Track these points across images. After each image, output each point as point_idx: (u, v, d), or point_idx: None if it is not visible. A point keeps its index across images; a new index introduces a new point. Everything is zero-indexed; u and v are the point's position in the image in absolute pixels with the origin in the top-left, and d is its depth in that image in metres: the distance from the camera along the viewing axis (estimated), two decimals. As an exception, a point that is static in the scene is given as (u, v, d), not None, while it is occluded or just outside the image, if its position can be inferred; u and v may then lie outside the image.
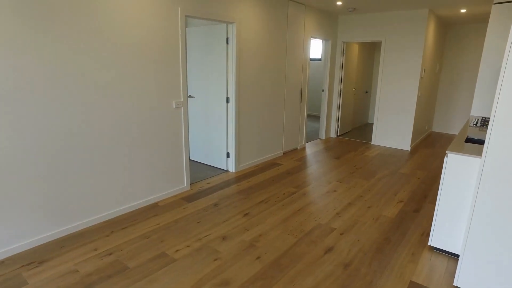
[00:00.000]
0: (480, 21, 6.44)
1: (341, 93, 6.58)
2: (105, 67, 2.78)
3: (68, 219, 2.75)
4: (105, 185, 2.97)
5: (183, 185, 3.73)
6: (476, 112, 3.99)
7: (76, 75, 2.60)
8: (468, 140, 2.91)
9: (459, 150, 2.41)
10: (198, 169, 4.50)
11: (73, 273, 2.27)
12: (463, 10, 5.26)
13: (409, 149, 5.87)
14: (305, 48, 5.44)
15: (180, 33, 3.33)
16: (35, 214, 2.55)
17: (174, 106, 3.43)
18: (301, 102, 5.62)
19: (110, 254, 2.51)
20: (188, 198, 3.56)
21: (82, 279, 2.21)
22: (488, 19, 6.08)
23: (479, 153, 2.31)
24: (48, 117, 2.50)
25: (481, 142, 2.85)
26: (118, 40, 2.83)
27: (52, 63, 2.45)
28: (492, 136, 1.90)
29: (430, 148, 6.02)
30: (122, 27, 2.85)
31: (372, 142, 6.27)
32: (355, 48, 6.79)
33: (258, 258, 2.50)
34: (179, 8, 3.27)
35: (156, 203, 3.41)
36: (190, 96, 4.64)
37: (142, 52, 3.04)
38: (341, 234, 2.88)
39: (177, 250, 2.57)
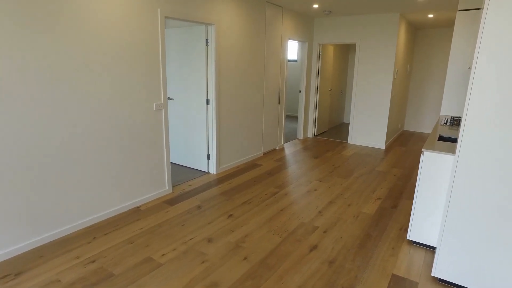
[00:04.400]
0: (446, 26, 6.80)
1: (318, 93, 6.73)
2: (84, 70, 2.70)
3: (46, 226, 2.65)
4: (85, 190, 2.88)
5: (165, 188, 3.68)
6: (445, 111, 4.22)
7: (52, 79, 2.51)
8: (441, 138, 3.08)
9: (433, 148, 2.55)
10: (179, 172, 4.45)
11: (55, 283, 2.19)
12: (430, 15, 5.54)
13: (384, 147, 6.09)
14: (283, 50, 5.52)
15: (159, 35, 3.29)
16: (9, 223, 2.44)
17: (154, 109, 3.38)
18: (279, 103, 5.69)
19: (94, 261, 2.44)
20: (170, 201, 3.52)
21: (65, 288, 2.14)
22: (453, 24, 6.44)
23: (452, 151, 2.46)
24: (24, 122, 2.39)
25: (452, 140, 3.03)
26: (96, 42, 2.76)
27: (29, 67, 2.35)
28: (464, 135, 2.03)
29: (403, 146, 6.28)
30: (101, 29, 2.78)
31: (349, 142, 6.46)
32: (331, 50, 6.97)
33: (245, 258, 2.52)
34: (158, 9, 3.23)
35: (138, 207, 3.34)
36: (169, 98, 4.58)
37: (122, 54, 2.98)
38: (324, 232, 2.96)
39: (163, 254, 2.54)
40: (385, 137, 6.06)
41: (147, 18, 3.15)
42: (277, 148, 5.85)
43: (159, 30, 3.28)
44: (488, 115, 1.93)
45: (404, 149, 6.06)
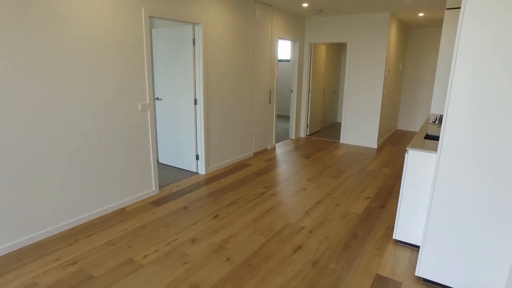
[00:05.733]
0: (437, 25, 6.79)
1: (310, 93, 6.71)
2: (68, 71, 2.67)
3: (26, 229, 2.61)
4: (68, 191, 2.84)
5: (152, 189, 3.64)
6: (435, 110, 4.21)
7: (33, 79, 2.47)
8: (427, 137, 3.06)
9: (418, 146, 2.53)
10: (167, 172, 4.42)
11: (32, 286, 2.15)
12: (420, 14, 5.53)
13: (376, 147, 6.08)
14: (273, 49, 5.50)
15: (144, 34, 3.26)
16: (-11, 226, 2.40)
17: (140, 109, 3.34)
18: (270, 103, 5.67)
19: (74, 263, 2.40)
20: (157, 202, 3.49)
21: (42, 291, 2.11)
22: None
23: (435, 149, 2.44)
24: (4, 122, 2.35)
25: (438, 138, 3.01)
26: (78, 42, 2.72)
27: (10, 67, 2.31)
28: (445, 133, 2.01)
29: (395, 146, 6.27)
30: (83, 28, 2.74)
31: (341, 141, 6.44)
32: (322, 49, 6.95)
33: (228, 259, 2.49)
34: (142, 9, 3.20)
35: (124, 208, 3.31)
36: (157, 99, 4.55)
37: (105, 54, 2.94)
38: (310, 232, 2.94)
39: (145, 256, 2.51)
40: (377, 136, 6.05)
41: (131, 17, 3.11)
42: (268, 148, 5.82)
43: (144, 30, 3.24)
44: (467, 114, 1.91)
45: (396, 148, 6.04)
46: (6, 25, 2.28)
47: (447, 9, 3.92)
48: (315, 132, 7.27)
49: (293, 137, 6.65)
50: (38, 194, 2.64)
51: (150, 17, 3.33)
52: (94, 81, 2.90)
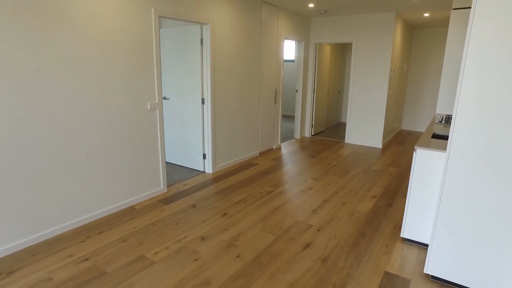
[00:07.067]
0: (443, 25, 6.80)
1: (315, 93, 6.73)
2: (76, 69, 2.71)
3: (39, 226, 2.65)
4: (79, 189, 2.88)
5: (160, 187, 3.68)
6: (441, 110, 4.22)
7: (44, 79, 2.51)
8: (435, 136, 3.08)
9: (426, 145, 2.55)
10: (174, 171, 4.46)
11: (47, 281, 2.19)
12: (426, 14, 5.55)
13: (380, 146, 6.09)
14: (279, 49, 5.53)
15: (153, 34, 3.29)
16: (2, 222, 2.43)
17: (149, 108, 3.38)
18: (275, 103, 5.70)
19: (87, 259, 2.44)
20: (165, 200, 3.52)
21: (57, 287, 2.14)
22: (448, 23, 6.44)
23: (444, 148, 2.46)
24: (16, 122, 2.39)
25: (446, 137, 3.03)
26: (88, 42, 2.76)
27: (20, 65, 2.35)
28: (454, 132, 2.03)
29: (400, 145, 6.28)
30: (93, 28, 2.78)
31: (346, 141, 6.46)
32: (327, 49, 6.97)
33: (238, 256, 2.52)
34: (152, 9, 3.24)
35: (133, 206, 3.34)
36: (164, 98, 4.59)
37: (115, 54, 2.98)
38: (318, 230, 2.96)
39: (156, 253, 2.54)
40: (381, 136, 6.06)
41: (141, 17, 3.15)
42: (274, 147, 5.85)
43: (153, 30, 3.28)
44: (477, 113, 1.93)
45: (401, 148, 6.06)
46: (21, 27, 2.32)
47: (454, 9, 3.94)
48: (320, 132, 7.30)
49: (298, 137, 6.67)
50: (51, 192, 2.69)
51: (160, 17, 3.37)
52: (104, 81, 2.94)
